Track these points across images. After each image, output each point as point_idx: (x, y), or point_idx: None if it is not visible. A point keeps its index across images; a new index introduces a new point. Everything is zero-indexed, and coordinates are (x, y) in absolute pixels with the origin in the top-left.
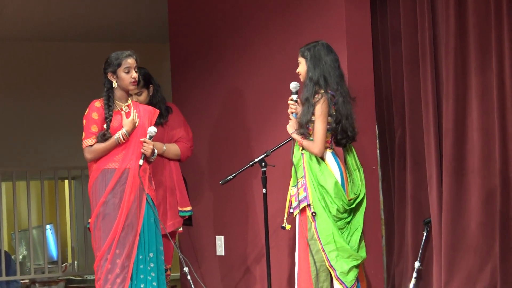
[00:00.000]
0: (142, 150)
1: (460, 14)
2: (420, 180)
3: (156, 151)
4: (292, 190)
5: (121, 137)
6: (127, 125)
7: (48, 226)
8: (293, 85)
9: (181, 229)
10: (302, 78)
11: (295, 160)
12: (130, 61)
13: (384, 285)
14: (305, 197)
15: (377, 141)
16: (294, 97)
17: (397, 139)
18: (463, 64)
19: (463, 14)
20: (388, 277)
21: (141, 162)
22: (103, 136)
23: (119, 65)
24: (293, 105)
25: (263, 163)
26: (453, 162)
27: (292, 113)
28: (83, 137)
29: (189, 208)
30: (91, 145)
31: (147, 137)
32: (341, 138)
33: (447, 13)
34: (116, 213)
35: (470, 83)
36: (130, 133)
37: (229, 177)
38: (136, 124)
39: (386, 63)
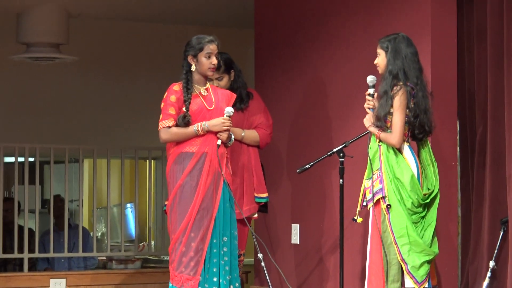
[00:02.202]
0: (219, 129)
1: None
2: (499, 179)
3: (233, 136)
4: (366, 183)
5: (199, 130)
6: (213, 122)
7: (128, 205)
8: (370, 79)
9: (256, 215)
10: (380, 70)
11: (371, 152)
12: (212, 46)
13: (458, 282)
14: (381, 189)
15: (458, 137)
16: (371, 91)
17: (478, 136)
18: None
19: None
20: (462, 274)
21: (219, 142)
22: (184, 118)
23: (201, 49)
24: (370, 100)
25: (341, 154)
26: None
27: (369, 108)
28: (160, 118)
29: (265, 195)
30: (169, 127)
31: (225, 116)
32: (418, 132)
33: None
34: (192, 196)
35: None
36: (210, 130)
37: (306, 166)
38: (231, 138)
39: (470, 59)
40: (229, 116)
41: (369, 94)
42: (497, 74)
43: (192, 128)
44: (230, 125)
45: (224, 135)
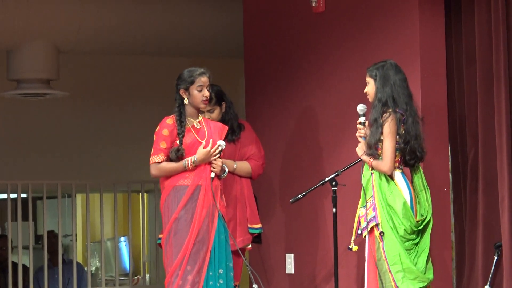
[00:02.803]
0: (213, 165)
1: None
2: (492, 203)
3: (226, 168)
4: (360, 211)
5: (189, 165)
6: (201, 155)
7: (122, 239)
8: (360, 108)
9: (250, 246)
10: (370, 98)
11: (364, 180)
12: (203, 79)
13: None
14: (374, 217)
15: (450, 162)
16: (362, 119)
17: (469, 161)
18: None
19: None
20: None
21: (212, 174)
22: (177, 152)
23: (192, 82)
24: (361, 129)
25: (334, 183)
26: None
27: (360, 136)
28: (151, 152)
29: (259, 226)
30: (159, 162)
31: (216, 151)
32: (409, 158)
33: None
34: (188, 229)
35: None
36: (199, 163)
37: (299, 196)
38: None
39: (460, 84)
40: (221, 150)
41: (360, 123)
42: (487, 98)
43: (181, 163)
44: (218, 153)
45: (217, 168)
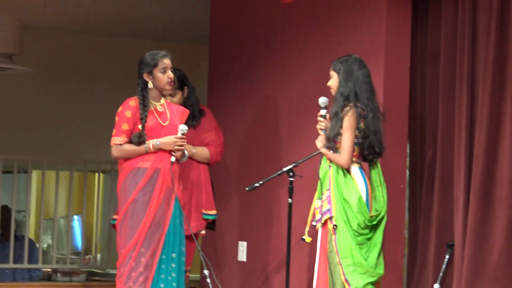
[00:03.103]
0: (171, 147)
1: (500, 39)
2: (447, 203)
3: (186, 152)
4: (316, 203)
5: (151, 148)
6: (165, 142)
7: (75, 217)
8: (322, 100)
9: (203, 232)
10: (333, 92)
11: (321, 172)
12: (166, 61)
13: None
14: (329, 210)
15: (408, 159)
16: (323, 112)
17: (427, 159)
18: (500, 90)
19: (504, 41)
20: None
21: (173, 159)
22: (140, 138)
23: (155, 65)
24: (322, 121)
25: (291, 173)
26: (482, 188)
27: (321, 129)
28: (113, 133)
29: (214, 212)
30: (120, 144)
31: (179, 134)
32: (368, 153)
33: (488, 38)
34: (144, 211)
35: (505, 111)
36: (161, 148)
37: (256, 184)
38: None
39: (422, 82)
40: (183, 134)
41: (321, 116)
42: (449, 98)
43: (143, 147)
44: (183, 143)
45: (178, 153)
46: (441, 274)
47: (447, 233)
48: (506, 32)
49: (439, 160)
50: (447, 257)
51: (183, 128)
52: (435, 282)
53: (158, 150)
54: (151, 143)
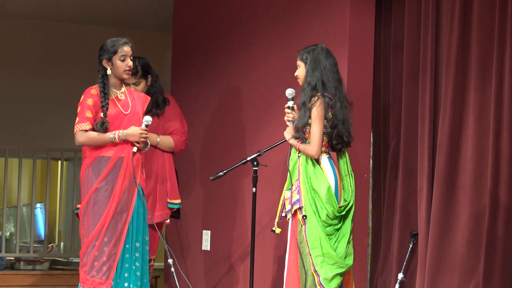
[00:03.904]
0: (136, 139)
1: (464, 29)
2: (410, 192)
3: (149, 142)
4: (286, 194)
5: (116, 139)
6: (131, 134)
7: (38, 205)
8: (289, 92)
9: (168, 221)
10: (300, 81)
11: (291, 163)
12: (126, 49)
13: None
14: (298, 200)
15: (371, 149)
16: (290, 103)
17: (391, 149)
18: (463, 80)
19: (467, 30)
20: (371, 286)
21: (135, 149)
22: (102, 125)
23: (115, 52)
24: (289, 113)
25: (255, 162)
26: (445, 177)
27: (288, 120)
28: (76, 121)
29: (178, 201)
30: (86, 130)
31: (143, 125)
32: (336, 143)
33: (451, 28)
34: (107, 200)
35: (468, 100)
36: (126, 139)
37: (220, 173)
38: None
39: (386, 72)
40: (147, 125)
41: (288, 107)
42: (412, 89)
43: (108, 135)
44: (147, 136)
45: (141, 144)
46: (404, 263)
47: (410, 222)
48: (469, 22)
49: (402, 150)
50: (410, 246)
51: (147, 119)
52: (399, 271)
53: (123, 141)
54: (116, 134)
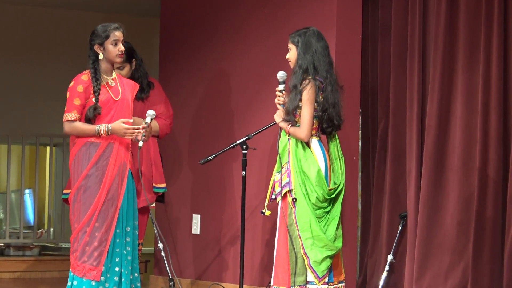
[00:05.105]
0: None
1: (451, 11)
2: (399, 174)
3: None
4: (276, 176)
5: (102, 133)
6: (117, 130)
7: (27, 191)
8: (280, 75)
9: (153, 205)
10: (291, 64)
11: (281, 146)
12: (118, 33)
13: (356, 275)
14: (288, 183)
15: (360, 132)
16: (281, 87)
17: (379, 131)
18: (450, 61)
19: (454, 11)
20: (361, 267)
21: (140, 144)
22: (94, 110)
23: (107, 37)
24: (280, 96)
25: (244, 146)
26: (434, 159)
27: (279, 103)
28: (65, 109)
29: (163, 185)
30: (72, 120)
31: (148, 120)
32: (327, 126)
33: (438, 9)
34: (98, 186)
35: (456, 81)
36: (112, 133)
37: (209, 157)
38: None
39: (374, 55)
40: (152, 119)
41: (279, 90)
42: (400, 71)
43: (94, 128)
44: (132, 135)
45: (146, 138)
46: (394, 245)
47: (400, 204)
48: (457, 4)
49: (391, 132)
50: (400, 228)
51: (151, 113)
52: (389, 253)
53: (108, 135)
54: (102, 128)
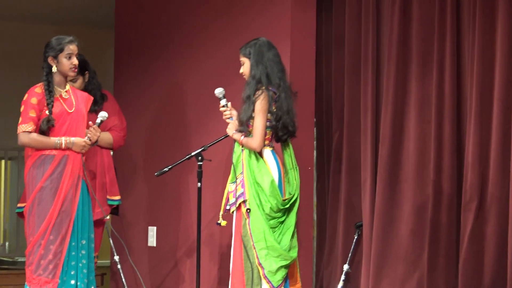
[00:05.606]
0: (88, 135)
1: (404, 21)
2: (354, 184)
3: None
4: (230, 187)
5: (63, 146)
6: (77, 145)
7: None
8: (218, 91)
9: (108, 217)
10: (246, 77)
11: (235, 157)
12: (72, 47)
13: (312, 285)
14: (242, 193)
15: (315, 142)
16: (223, 102)
17: (334, 141)
18: (404, 72)
19: (407, 23)
20: (317, 278)
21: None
22: (48, 122)
23: (61, 50)
24: (225, 111)
25: (200, 157)
26: (388, 169)
27: (227, 118)
28: (19, 121)
29: (118, 197)
30: (29, 132)
31: (98, 120)
32: (282, 134)
33: (392, 19)
34: (52, 199)
35: (409, 92)
36: (72, 147)
37: (165, 169)
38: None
39: (328, 66)
40: (102, 121)
41: (222, 106)
42: (354, 82)
43: (54, 140)
44: (98, 134)
45: (94, 137)
46: (350, 254)
47: (355, 214)
48: (409, 14)
49: (346, 142)
50: (355, 237)
51: (103, 115)
52: (345, 263)
53: (67, 149)
54: (63, 141)
